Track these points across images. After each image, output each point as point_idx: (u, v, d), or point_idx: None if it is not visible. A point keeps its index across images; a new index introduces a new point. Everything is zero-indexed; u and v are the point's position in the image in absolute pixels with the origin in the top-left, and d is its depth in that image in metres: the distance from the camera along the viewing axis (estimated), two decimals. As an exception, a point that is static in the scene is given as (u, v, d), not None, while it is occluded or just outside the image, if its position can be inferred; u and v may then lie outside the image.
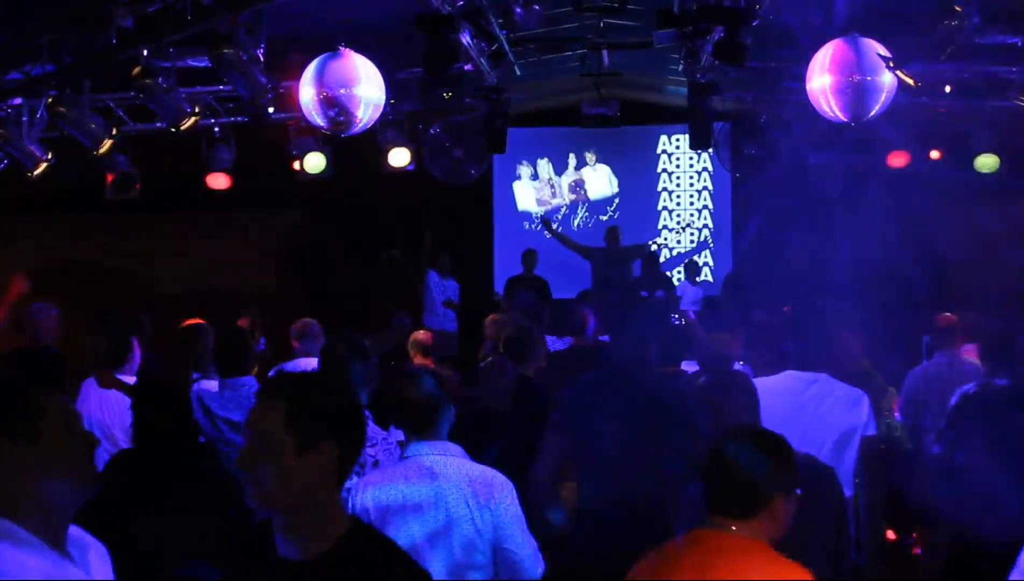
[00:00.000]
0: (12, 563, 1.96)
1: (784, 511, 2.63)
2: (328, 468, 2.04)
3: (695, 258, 12.85)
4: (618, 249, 11.51)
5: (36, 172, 8.24)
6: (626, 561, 2.72)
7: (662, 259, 12.38)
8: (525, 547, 3.23)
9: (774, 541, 2.62)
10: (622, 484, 3.99)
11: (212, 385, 5.02)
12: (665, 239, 13.25)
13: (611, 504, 3.98)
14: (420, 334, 7.53)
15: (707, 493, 2.67)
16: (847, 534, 3.41)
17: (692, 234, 13.24)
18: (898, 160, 10.53)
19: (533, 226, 13.38)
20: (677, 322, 7.41)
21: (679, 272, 12.65)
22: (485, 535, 3.17)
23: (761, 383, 4.47)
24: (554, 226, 12.60)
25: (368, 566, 2.00)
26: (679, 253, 13.07)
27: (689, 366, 6.28)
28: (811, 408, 4.25)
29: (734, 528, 2.59)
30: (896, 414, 6.10)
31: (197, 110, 8.64)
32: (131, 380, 5.11)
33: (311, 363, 5.55)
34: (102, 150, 8.49)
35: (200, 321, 7.28)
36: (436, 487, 3.17)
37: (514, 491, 3.26)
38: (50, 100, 7.69)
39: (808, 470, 3.20)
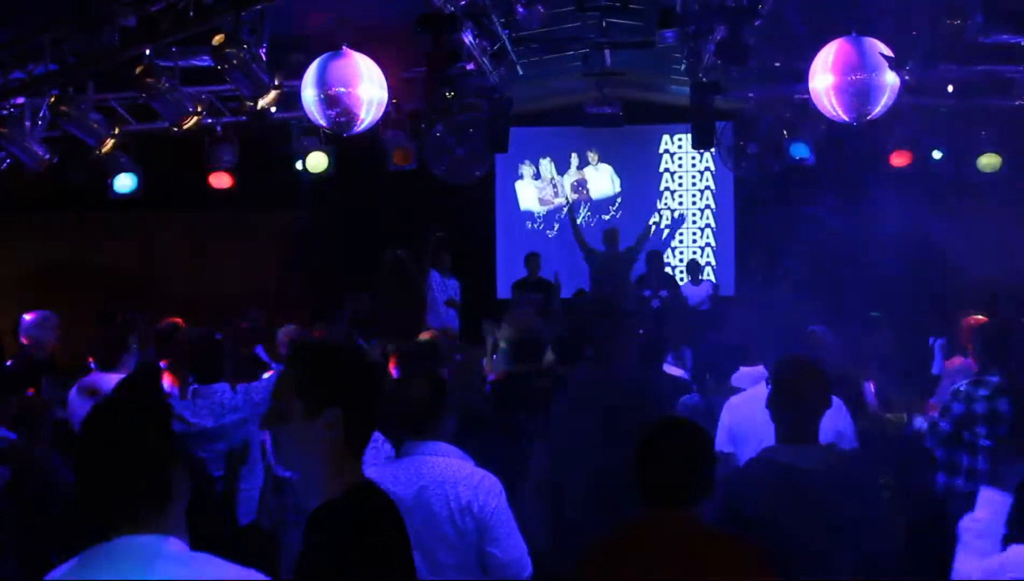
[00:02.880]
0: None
1: None
2: (334, 433, 2.17)
3: (697, 258, 12.83)
4: (615, 253, 11.52)
5: (38, 171, 8.25)
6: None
7: (667, 260, 12.37)
8: (511, 550, 3.20)
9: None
10: (607, 491, 3.98)
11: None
12: (666, 240, 13.26)
13: (596, 513, 3.99)
14: (425, 335, 7.50)
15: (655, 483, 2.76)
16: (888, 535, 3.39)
17: (704, 237, 13.29)
18: (900, 160, 10.52)
19: (536, 225, 13.39)
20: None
21: (681, 273, 12.64)
22: (466, 537, 3.16)
23: (744, 394, 4.52)
24: (555, 228, 12.57)
25: (365, 514, 2.15)
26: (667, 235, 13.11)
27: (670, 368, 6.28)
28: None
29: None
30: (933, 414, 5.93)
31: (199, 109, 8.65)
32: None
33: None
34: (105, 149, 8.51)
35: (177, 320, 7.32)
36: (420, 487, 3.16)
37: (503, 494, 3.24)
38: (53, 99, 7.70)
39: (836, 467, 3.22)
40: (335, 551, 2.10)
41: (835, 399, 4.30)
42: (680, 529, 2.70)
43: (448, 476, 3.19)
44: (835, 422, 4.28)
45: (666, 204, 13.37)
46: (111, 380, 4.85)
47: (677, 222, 13.22)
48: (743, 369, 5.38)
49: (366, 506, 2.18)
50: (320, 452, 2.17)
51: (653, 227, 12.23)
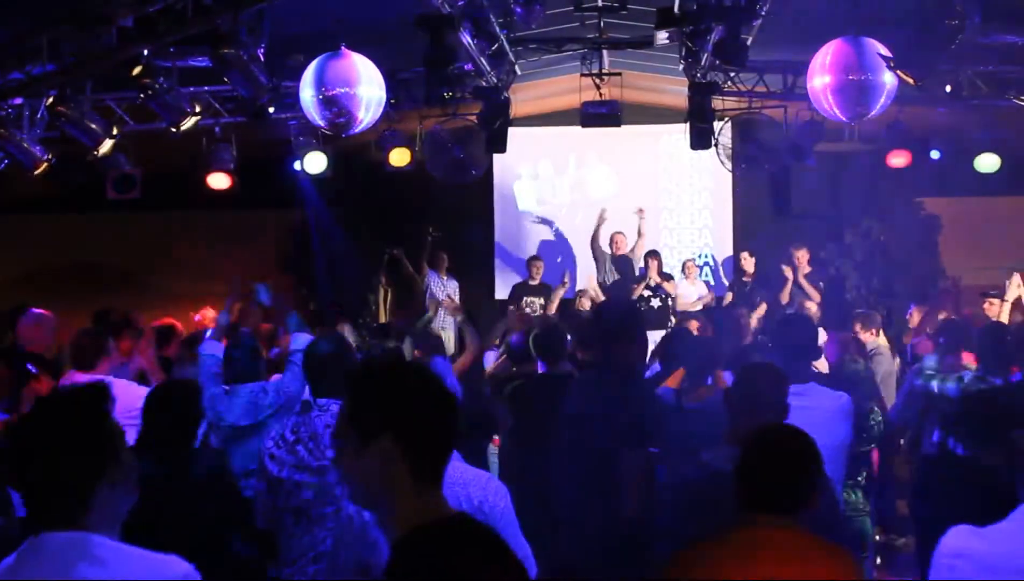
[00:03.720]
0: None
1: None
2: (390, 462, 1.96)
3: (695, 259, 12.82)
4: (622, 254, 11.56)
5: (37, 172, 8.24)
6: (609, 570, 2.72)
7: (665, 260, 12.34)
8: (518, 550, 3.20)
9: None
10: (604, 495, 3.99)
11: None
12: (665, 242, 13.25)
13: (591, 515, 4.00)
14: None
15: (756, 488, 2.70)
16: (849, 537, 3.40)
17: (702, 238, 13.30)
18: (898, 159, 10.53)
19: (534, 226, 13.39)
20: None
21: (678, 271, 12.64)
22: None
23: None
24: (555, 227, 12.57)
25: (431, 558, 1.91)
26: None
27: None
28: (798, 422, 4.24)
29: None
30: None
31: (198, 110, 8.65)
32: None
33: None
34: (103, 150, 8.49)
35: (174, 322, 7.33)
36: None
37: (508, 495, 3.24)
38: (51, 100, 7.70)
39: None
40: None
41: (844, 395, 4.34)
42: (783, 537, 2.64)
43: (456, 478, 3.18)
44: (846, 429, 4.30)
45: (664, 205, 13.36)
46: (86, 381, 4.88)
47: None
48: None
49: (443, 545, 1.92)
50: (382, 485, 1.97)
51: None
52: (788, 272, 10.42)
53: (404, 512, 1.96)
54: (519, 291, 11.46)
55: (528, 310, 10.73)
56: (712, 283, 12.59)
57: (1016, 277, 7.20)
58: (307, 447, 3.65)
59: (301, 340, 4.95)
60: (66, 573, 2.01)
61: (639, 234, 11.71)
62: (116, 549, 2.07)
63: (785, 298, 10.35)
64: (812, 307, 9.59)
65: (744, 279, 11.28)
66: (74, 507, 2.06)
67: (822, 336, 6.31)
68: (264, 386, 4.99)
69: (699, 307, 10.98)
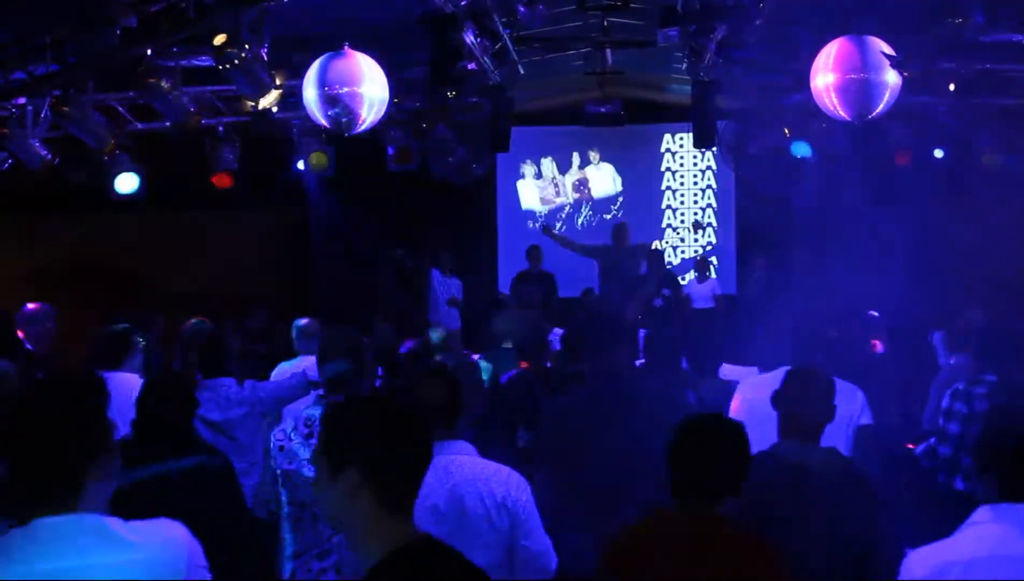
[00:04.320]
0: None
1: None
2: (358, 492, 2.07)
3: (703, 257, 12.81)
4: (626, 247, 11.52)
5: (40, 172, 8.25)
6: None
7: (669, 259, 12.35)
8: (541, 542, 3.25)
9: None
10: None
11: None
12: (668, 241, 13.26)
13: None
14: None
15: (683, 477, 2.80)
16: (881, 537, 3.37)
17: (706, 236, 13.25)
18: (902, 158, 10.51)
19: (536, 225, 13.39)
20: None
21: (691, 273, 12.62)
22: (502, 533, 3.17)
23: (760, 379, 4.49)
24: (558, 227, 12.59)
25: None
26: (687, 258, 13.06)
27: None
28: None
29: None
30: None
31: (201, 109, 8.66)
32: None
33: (310, 361, 5.57)
34: (106, 150, 8.51)
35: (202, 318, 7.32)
36: (451, 486, 3.16)
37: (529, 489, 3.26)
38: (54, 100, 7.71)
39: (839, 467, 3.24)
40: None
41: (854, 387, 4.35)
42: (705, 527, 2.74)
43: (478, 474, 3.20)
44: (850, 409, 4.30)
45: (668, 204, 13.36)
46: (113, 379, 4.87)
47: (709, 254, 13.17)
48: (727, 366, 5.40)
49: (407, 572, 2.04)
50: (350, 515, 2.08)
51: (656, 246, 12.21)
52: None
53: (372, 540, 2.08)
54: (519, 280, 11.48)
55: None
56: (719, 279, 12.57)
57: None
58: None
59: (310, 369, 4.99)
60: (82, 557, 2.07)
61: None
62: (122, 524, 2.15)
63: None
64: None
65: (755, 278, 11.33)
66: (69, 490, 2.12)
67: None
68: (255, 384, 5.02)
69: (717, 304, 10.99)
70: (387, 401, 2.29)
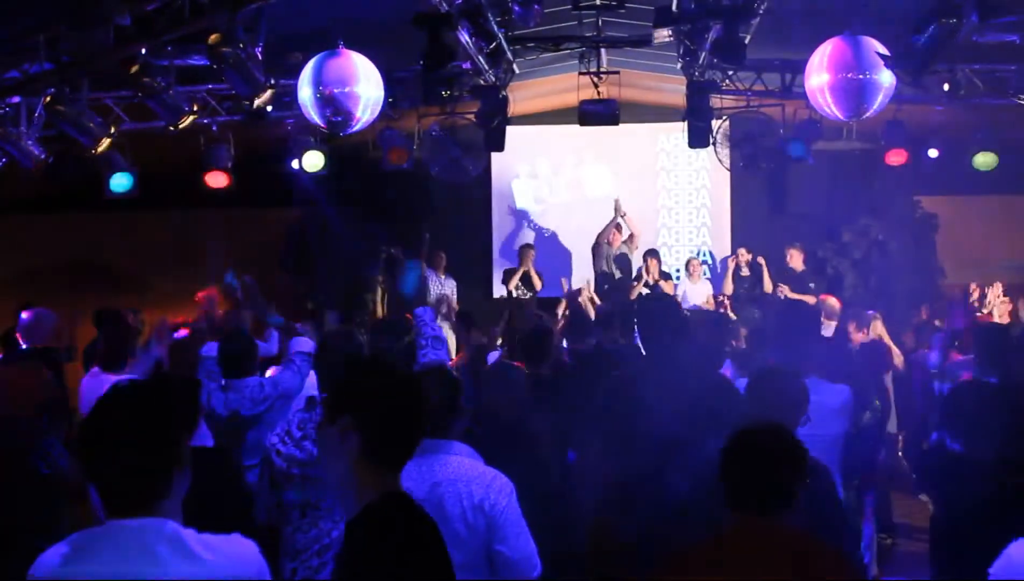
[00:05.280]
0: None
1: None
2: (349, 442, 2.19)
3: (695, 257, 12.82)
4: (620, 254, 11.58)
5: (34, 171, 8.23)
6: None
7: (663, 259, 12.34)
8: (519, 549, 3.22)
9: None
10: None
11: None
12: (663, 241, 13.27)
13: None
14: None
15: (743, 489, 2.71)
16: (849, 531, 3.40)
17: (700, 237, 13.36)
18: (896, 158, 10.53)
19: (530, 224, 13.40)
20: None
21: (677, 271, 12.64)
22: (477, 535, 3.17)
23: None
24: (556, 226, 12.60)
25: (380, 536, 2.15)
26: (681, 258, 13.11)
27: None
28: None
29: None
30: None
31: (195, 108, 8.64)
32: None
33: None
34: (100, 149, 8.48)
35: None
36: (433, 484, 3.19)
37: (513, 493, 3.25)
38: (48, 99, 7.68)
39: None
40: (362, 565, 2.13)
41: (844, 388, 4.36)
42: (771, 537, 2.66)
43: (461, 474, 3.22)
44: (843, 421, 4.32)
45: (662, 203, 13.38)
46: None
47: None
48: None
49: (390, 519, 2.17)
50: (339, 456, 2.21)
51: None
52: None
53: (358, 488, 2.20)
54: (509, 275, 11.67)
55: (516, 294, 10.98)
56: (712, 281, 12.58)
57: (997, 286, 7.26)
58: (315, 442, 3.67)
59: (304, 343, 5.03)
60: (157, 567, 2.09)
61: (622, 229, 11.81)
62: (196, 537, 2.18)
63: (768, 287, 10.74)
64: (811, 298, 9.75)
65: (742, 275, 11.37)
66: (154, 493, 2.16)
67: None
68: (261, 381, 5.02)
69: (707, 306, 11.01)
70: (391, 364, 2.42)
